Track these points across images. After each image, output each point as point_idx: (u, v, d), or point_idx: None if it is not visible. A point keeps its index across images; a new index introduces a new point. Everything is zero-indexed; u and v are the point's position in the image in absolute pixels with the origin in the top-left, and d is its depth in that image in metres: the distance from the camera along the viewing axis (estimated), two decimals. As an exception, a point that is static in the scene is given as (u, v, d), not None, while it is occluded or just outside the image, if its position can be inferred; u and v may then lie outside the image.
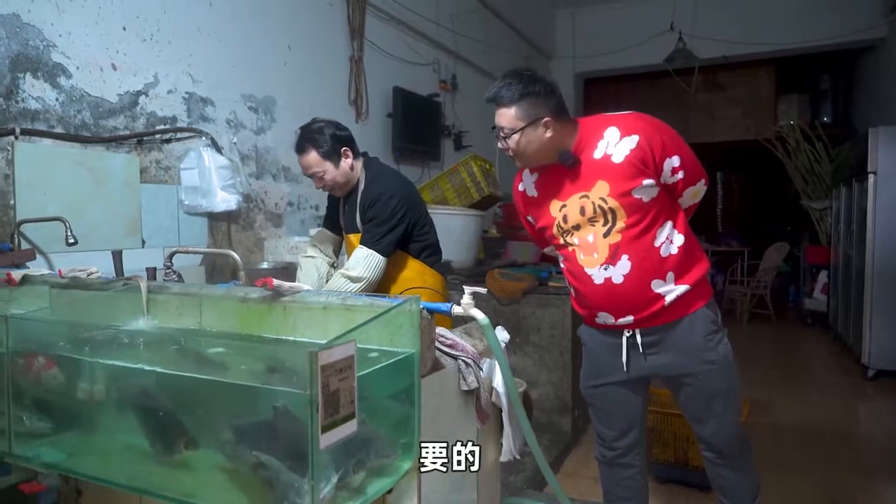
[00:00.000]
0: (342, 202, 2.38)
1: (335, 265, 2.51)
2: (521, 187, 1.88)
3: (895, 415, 3.89)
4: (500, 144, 1.71)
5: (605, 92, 8.31)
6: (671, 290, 1.69)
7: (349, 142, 2.24)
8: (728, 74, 7.99)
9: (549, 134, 1.66)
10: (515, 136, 1.66)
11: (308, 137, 2.19)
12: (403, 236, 2.24)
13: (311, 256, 2.45)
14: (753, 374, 4.60)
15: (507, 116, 1.65)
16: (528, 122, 1.64)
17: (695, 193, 1.78)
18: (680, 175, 1.69)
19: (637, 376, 1.81)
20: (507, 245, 4.66)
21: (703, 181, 1.77)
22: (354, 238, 2.28)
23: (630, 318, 1.72)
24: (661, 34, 6.52)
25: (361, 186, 2.28)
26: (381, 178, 2.29)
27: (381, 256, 2.15)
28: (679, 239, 1.71)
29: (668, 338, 1.74)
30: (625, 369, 1.79)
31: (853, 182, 5.13)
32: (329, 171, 2.20)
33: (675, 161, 1.67)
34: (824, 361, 5.40)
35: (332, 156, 2.19)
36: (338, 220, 2.43)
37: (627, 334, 1.76)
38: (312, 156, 2.18)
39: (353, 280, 2.11)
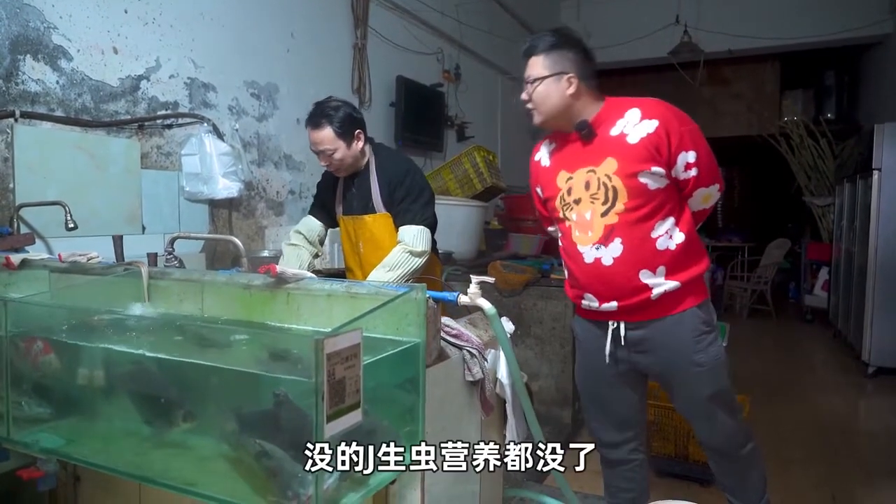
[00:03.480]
0: (343, 186, 2.35)
1: (318, 255, 2.48)
2: (537, 157, 1.87)
3: (895, 412, 3.89)
4: (522, 95, 1.71)
5: (609, 85, 8.14)
6: (659, 284, 1.65)
7: (362, 125, 2.24)
8: (732, 69, 7.93)
9: (570, 90, 1.66)
10: (536, 84, 1.67)
11: (325, 113, 2.16)
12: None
13: (295, 244, 2.41)
14: (753, 370, 4.59)
15: (534, 65, 1.68)
16: (553, 72, 1.65)
17: (706, 197, 1.73)
18: (693, 172, 1.65)
19: (627, 370, 1.79)
20: (508, 237, 4.64)
21: (717, 186, 1.73)
22: (371, 219, 2.27)
23: (614, 304, 1.69)
24: (666, 27, 6.47)
25: (374, 167, 2.27)
26: (395, 157, 2.33)
27: (429, 230, 2.19)
28: (679, 237, 1.67)
29: (655, 335, 1.70)
30: (606, 361, 1.76)
31: (857, 179, 5.10)
32: (340, 149, 2.18)
33: (690, 156, 1.64)
34: (824, 358, 5.39)
35: (346, 136, 2.17)
36: (332, 205, 2.40)
37: (612, 326, 1.73)
38: (327, 132, 2.15)
39: (418, 255, 2.13)
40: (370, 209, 2.27)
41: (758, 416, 3.54)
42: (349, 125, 2.17)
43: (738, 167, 10.69)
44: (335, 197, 2.39)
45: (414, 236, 2.15)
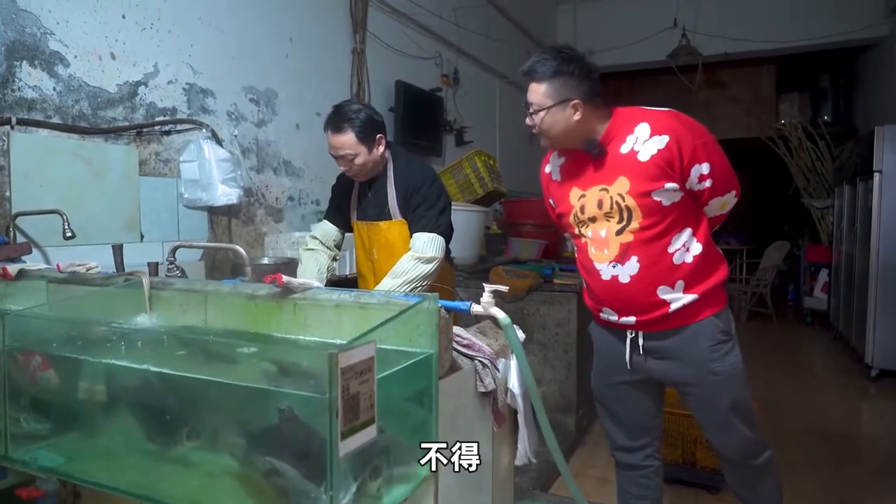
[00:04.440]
0: (359, 191, 2.31)
1: (337, 259, 2.45)
2: (547, 169, 1.84)
3: (899, 415, 3.87)
4: (527, 121, 1.66)
5: (606, 89, 8.17)
6: (678, 299, 1.63)
7: (383, 129, 2.19)
8: (729, 73, 7.95)
9: (576, 117, 1.60)
10: (542, 114, 1.61)
11: (346, 117, 2.10)
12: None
13: (312, 249, 2.38)
14: (754, 373, 4.54)
15: (536, 93, 1.61)
16: (557, 101, 1.59)
17: (722, 205, 1.71)
18: (707, 183, 1.62)
19: (644, 378, 1.77)
20: (508, 242, 4.61)
21: (733, 193, 1.70)
22: (386, 226, 2.24)
23: (632, 319, 1.67)
24: (663, 31, 6.47)
25: (391, 173, 2.23)
26: (414, 164, 2.28)
27: (443, 238, 2.15)
28: (697, 248, 1.64)
29: (672, 344, 1.68)
30: (628, 367, 1.74)
31: (857, 181, 5.10)
32: (362, 154, 2.12)
33: (703, 168, 1.60)
34: (826, 361, 5.37)
35: (368, 140, 2.12)
36: (347, 210, 2.36)
37: (630, 335, 1.72)
38: (349, 137, 2.10)
39: (427, 261, 2.08)
40: (385, 215, 2.23)
41: (761, 419, 3.51)
42: (371, 129, 2.12)
43: (736, 170, 10.69)
44: (350, 201, 2.35)
45: (425, 243, 2.11)
